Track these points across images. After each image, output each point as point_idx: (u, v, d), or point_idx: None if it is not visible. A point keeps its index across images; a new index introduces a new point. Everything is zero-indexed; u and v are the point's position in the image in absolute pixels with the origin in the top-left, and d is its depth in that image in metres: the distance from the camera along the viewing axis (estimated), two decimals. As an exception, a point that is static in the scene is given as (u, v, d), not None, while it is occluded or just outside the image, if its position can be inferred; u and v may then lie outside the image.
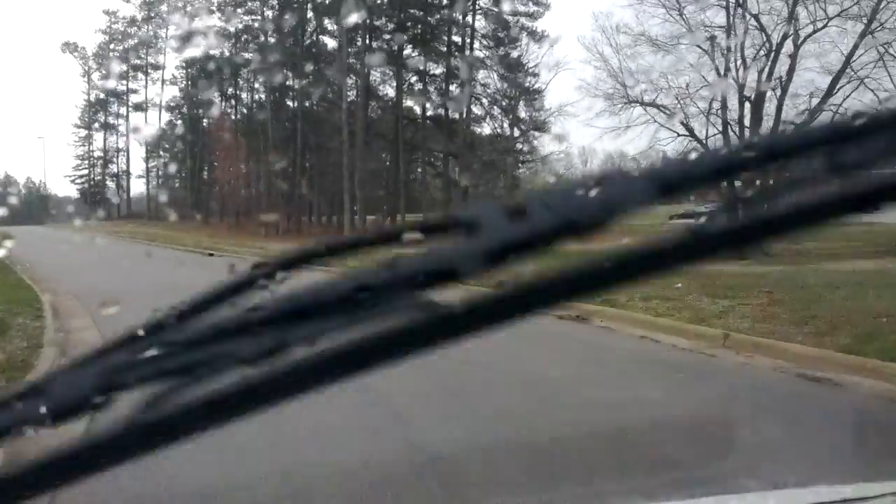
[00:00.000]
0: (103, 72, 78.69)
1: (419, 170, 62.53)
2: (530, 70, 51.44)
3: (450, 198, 57.34)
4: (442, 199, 59.62)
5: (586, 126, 43.71)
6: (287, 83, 64.68)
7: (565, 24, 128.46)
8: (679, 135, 31.47)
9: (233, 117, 69.01)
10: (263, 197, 61.19)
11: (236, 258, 25.69)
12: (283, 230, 59.89)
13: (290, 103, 66.58)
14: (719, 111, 31.03)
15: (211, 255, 27.46)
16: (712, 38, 31.36)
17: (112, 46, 76.82)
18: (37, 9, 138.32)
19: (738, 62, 30.74)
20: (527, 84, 51.58)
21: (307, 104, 64.36)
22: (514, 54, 53.51)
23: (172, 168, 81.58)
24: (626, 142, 64.61)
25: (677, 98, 31.20)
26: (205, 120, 75.06)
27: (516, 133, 50.56)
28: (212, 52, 70.39)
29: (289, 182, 62.71)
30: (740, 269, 15.17)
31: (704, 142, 31.12)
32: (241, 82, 70.57)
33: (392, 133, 61.38)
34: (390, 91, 61.01)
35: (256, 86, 70.51)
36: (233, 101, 71.15)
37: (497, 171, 54.70)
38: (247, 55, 67.41)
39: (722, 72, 30.89)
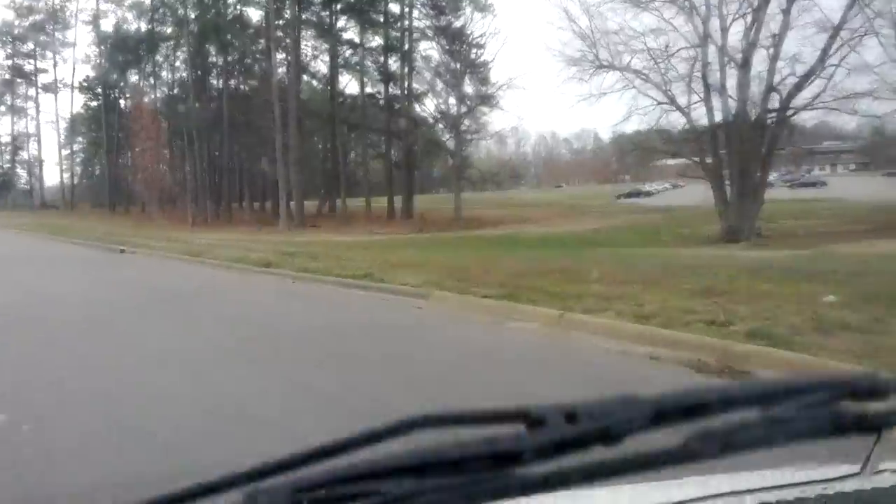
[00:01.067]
0: (8, 50, 72.08)
1: (358, 151, 58.14)
2: (474, 41, 47.64)
3: (391, 180, 53.28)
4: (384, 182, 55.56)
5: (557, 94, 40.19)
6: (210, 60, 59.64)
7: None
8: (659, 103, 28.01)
9: (152, 97, 63.53)
10: (189, 183, 56.16)
11: (152, 253, 21.39)
12: (211, 218, 55.10)
13: (214, 82, 61.51)
14: (701, 76, 27.56)
15: (122, 251, 22.99)
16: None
17: (17, 22, 70.31)
18: None
19: (724, 19, 27.30)
20: (472, 57, 47.77)
21: (233, 82, 59.43)
22: (457, 25, 49.65)
23: (89, 154, 75.49)
24: (602, 111, 60.39)
25: (655, 61, 27.68)
26: (122, 101, 69.45)
27: (462, 110, 46.62)
28: (127, 26, 64.78)
29: (216, 166, 57.87)
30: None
31: (687, 110, 27.76)
32: (160, 60, 65.11)
33: (327, 112, 56.98)
34: (323, 67, 56.52)
35: (177, 63, 65.17)
36: (152, 80, 65.70)
37: (442, 151, 50.79)
38: (166, 29, 62.01)
39: (703, 31, 27.52)
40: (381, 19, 51.53)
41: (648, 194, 70.93)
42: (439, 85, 50.78)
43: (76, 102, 75.51)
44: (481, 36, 47.36)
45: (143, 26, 63.85)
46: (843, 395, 1.09)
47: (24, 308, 10.62)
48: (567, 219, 47.38)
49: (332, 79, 55.53)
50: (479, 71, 48.08)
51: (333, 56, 54.97)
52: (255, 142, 56.29)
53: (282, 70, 58.70)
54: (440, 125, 50.32)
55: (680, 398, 1.21)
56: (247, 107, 57.39)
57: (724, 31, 27.48)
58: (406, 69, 51.06)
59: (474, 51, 48.31)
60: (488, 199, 64.54)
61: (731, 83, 27.30)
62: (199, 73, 58.36)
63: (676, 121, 29.11)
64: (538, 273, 11.18)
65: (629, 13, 28.49)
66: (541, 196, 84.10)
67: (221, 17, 55.68)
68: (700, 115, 28.09)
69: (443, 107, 50.49)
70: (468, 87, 47.98)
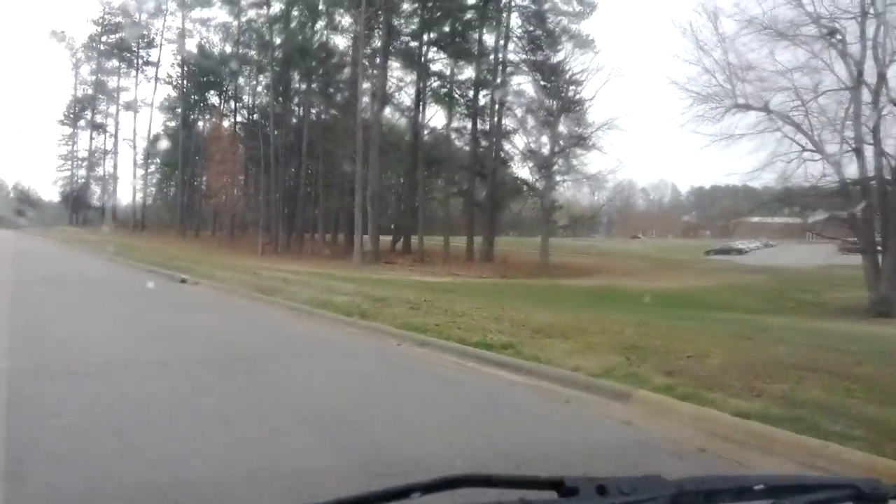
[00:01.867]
0: (93, 66, 71.32)
1: (438, 187, 54.92)
2: (573, 77, 44.22)
3: (473, 219, 49.85)
4: (464, 221, 52.18)
5: (682, 131, 36.45)
6: (292, 86, 57.45)
7: (619, 27, 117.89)
8: (805, 149, 24.00)
9: (232, 120, 61.66)
10: (262, 209, 53.66)
11: (218, 286, 18.18)
12: (282, 247, 52.38)
13: (295, 108, 59.29)
14: (851, 121, 23.57)
15: (184, 281, 19.91)
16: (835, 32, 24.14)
17: (104, 38, 69.46)
18: None
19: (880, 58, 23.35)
20: (569, 94, 44.32)
21: (314, 110, 57.00)
22: (555, 60, 46.34)
23: (164, 174, 74.01)
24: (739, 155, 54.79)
25: (801, 101, 23.77)
26: (201, 123, 67.82)
27: (556, 149, 43.16)
28: (211, 48, 63.18)
29: (291, 194, 55.31)
30: None
31: (837, 160, 23.73)
32: (241, 83, 63.29)
33: (408, 145, 54.07)
34: (406, 99, 53.60)
35: (259, 88, 63.26)
36: (232, 104, 63.88)
37: (529, 191, 47.22)
38: (250, 53, 60.11)
39: (855, 71, 23.59)
40: (474, 51, 48.36)
41: (741, 252, 66.10)
42: (530, 122, 47.57)
43: (155, 122, 74.38)
44: (581, 72, 43.88)
45: (227, 48, 62.26)
46: (848, 498, 1.39)
47: (18, 378, 7.14)
48: (664, 273, 43.26)
49: (416, 111, 52.64)
50: (575, 109, 44.57)
51: (420, 88, 52.15)
52: (332, 172, 53.66)
53: (364, 100, 56.44)
54: (529, 164, 46.85)
55: (700, 483, 1.48)
56: (326, 136, 54.91)
57: (882, 74, 23.55)
58: (496, 104, 47.81)
59: (571, 88, 44.88)
60: (566, 246, 60.64)
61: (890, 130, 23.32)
62: (281, 99, 56.15)
63: (800, 172, 24.81)
64: (778, 365, 7.46)
65: (767, 47, 24.56)
66: (619, 246, 79.85)
67: (307, 42, 53.42)
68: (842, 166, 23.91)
69: (533, 145, 47.19)
70: (562, 126, 44.54)
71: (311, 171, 53.23)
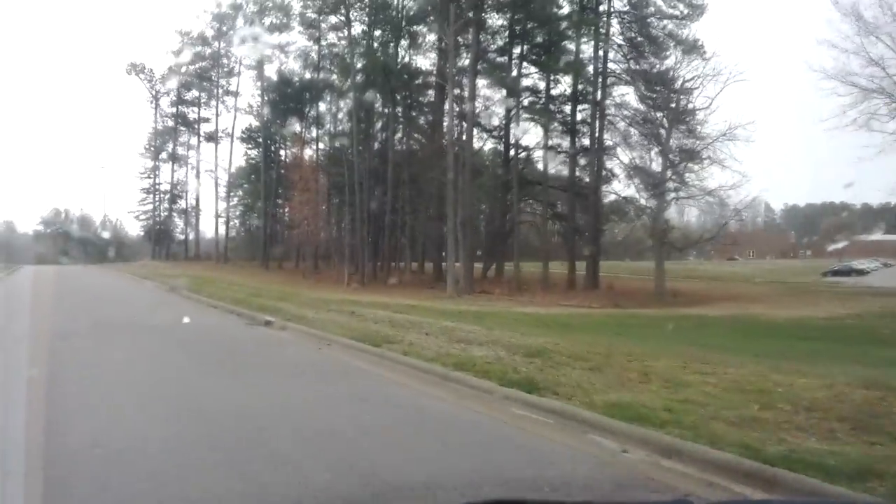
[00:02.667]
0: (172, 97, 69.82)
1: (532, 209, 50.85)
2: (685, 85, 39.68)
3: (573, 245, 45.59)
4: (562, 247, 47.99)
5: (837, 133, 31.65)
6: (375, 109, 54.35)
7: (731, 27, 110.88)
8: None
9: (314, 148, 58.93)
10: (347, 239, 50.48)
11: (309, 331, 14.44)
12: (368, 278, 49.00)
13: (378, 133, 56.20)
14: None
15: (268, 323, 16.31)
16: None
17: (183, 70, 67.90)
18: (102, 26, 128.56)
19: None
20: (682, 104, 39.85)
21: (399, 134, 53.74)
22: (662, 67, 42.02)
23: (246, 205, 71.80)
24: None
25: None
26: (283, 152, 65.40)
27: (667, 164, 38.69)
28: (291, 74, 60.69)
29: (375, 222, 51.99)
30: None
31: None
32: (323, 109, 60.64)
33: (500, 165, 50.31)
34: (494, 118, 49.76)
35: (340, 114, 60.46)
36: (314, 131, 61.17)
37: (634, 212, 42.74)
38: (332, 77, 57.41)
39: None
40: (570, 62, 44.33)
41: (861, 272, 59.98)
42: (634, 136, 43.18)
43: (236, 153, 72.47)
44: (692, 79, 39.35)
45: (307, 74, 59.73)
46: None
47: None
48: (794, 300, 38.17)
49: (506, 129, 48.83)
50: (686, 120, 40.04)
51: (510, 104, 48.36)
52: (419, 197, 50.22)
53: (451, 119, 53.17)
54: (634, 182, 42.38)
55: None
56: (411, 159, 51.59)
57: None
58: (597, 118, 43.61)
59: (682, 97, 40.39)
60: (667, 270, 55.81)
61: None
62: (363, 125, 53.05)
63: None
64: None
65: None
66: (720, 269, 74.31)
67: (390, 61, 50.31)
68: None
69: (638, 161, 42.75)
70: (673, 139, 40.03)
71: (397, 197, 49.84)
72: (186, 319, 17.72)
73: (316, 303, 22.18)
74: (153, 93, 69.48)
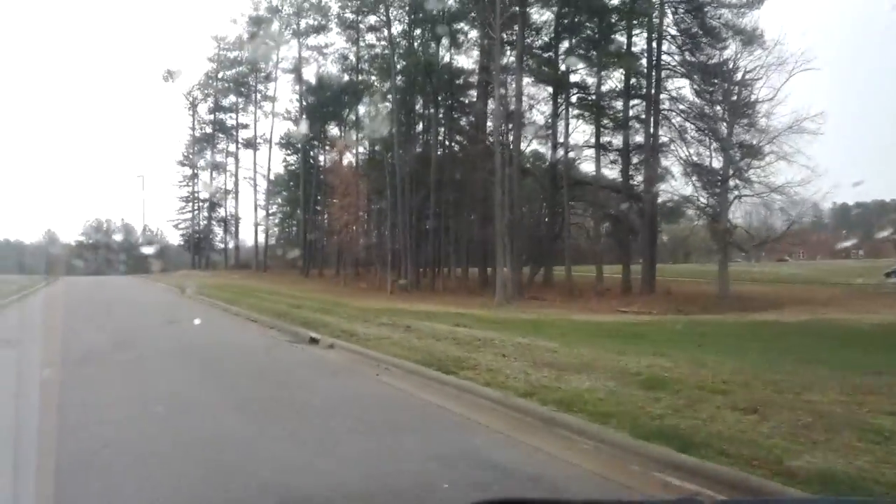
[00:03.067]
0: (210, 104, 68.56)
1: (580, 211, 48.51)
2: (747, 76, 37.05)
3: (627, 249, 43.15)
4: (611, 250, 45.58)
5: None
6: (415, 110, 52.45)
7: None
8: None
9: (353, 152, 57.11)
10: (389, 244, 48.57)
11: (362, 351, 12.42)
12: (412, 285, 46.99)
13: (419, 136, 54.27)
14: None
15: (313, 340, 14.35)
16: None
17: (220, 75, 66.63)
18: (138, 34, 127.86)
19: None
20: (742, 95, 37.24)
21: (440, 136, 51.68)
22: (719, 58, 39.40)
23: (285, 212, 70.35)
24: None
25: None
26: (322, 157, 63.77)
27: (730, 161, 36.12)
28: (329, 79, 58.96)
29: (419, 227, 50.00)
30: None
31: None
32: (362, 112, 58.84)
33: (548, 166, 48.08)
34: (539, 116, 47.42)
35: (379, 118, 58.54)
36: (354, 134, 59.31)
37: (700, 212, 40.09)
38: (371, 79, 55.59)
39: None
40: (621, 54, 41.91)
41: (920, 273, 56.30)
42: (691, 132, 40.67)
43: (275, 159, 71.02)
44: (755, 69, 36.74)
45: (346, 77, 57.97)
46: None
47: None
48: (869, 303, 35.29)
49: (553, 129, 46.52)
50: (747, 113, 37.45)
51: (555, 102, 46.15)
52: (461, 201, 48.11)
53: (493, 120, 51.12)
54: (692, 180, 39.81)
55: None
56: (454, 163, 49.58)
57: None
58: (651, 114, 41.15)
59: (742, 89, 37.80)
60: (714, 273, 52.93)
61: None
62: (404, 127, 51.14)
63: None
64: None
65: None
66: (775, 270, 71.00)
67: (432, 59, 48.36)
68: None
69: (695, 158, 40.22)
70: (735, 134, 37.46)
71: (439, 200, 47.75)
72: (222, 338, 15.85)
73: (363, 314, 20.18)
74: (190, 99, 68.45)
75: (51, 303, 27.79)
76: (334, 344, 13.62)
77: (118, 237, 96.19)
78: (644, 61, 41.87)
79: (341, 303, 29.68)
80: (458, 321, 20.30)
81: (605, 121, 44.23)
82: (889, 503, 3.93)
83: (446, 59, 51.01)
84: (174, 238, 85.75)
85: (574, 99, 46.21)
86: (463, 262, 52.15)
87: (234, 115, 68.10)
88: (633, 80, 42.61)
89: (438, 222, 47.60)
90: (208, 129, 69.11)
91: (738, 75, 37.73)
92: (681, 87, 41.84)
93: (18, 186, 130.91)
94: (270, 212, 69.06)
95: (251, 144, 67.30)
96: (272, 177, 66.03)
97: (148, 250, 77.16)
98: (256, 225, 66.37)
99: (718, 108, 38.82)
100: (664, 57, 41.53)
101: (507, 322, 24.91)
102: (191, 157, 70.13)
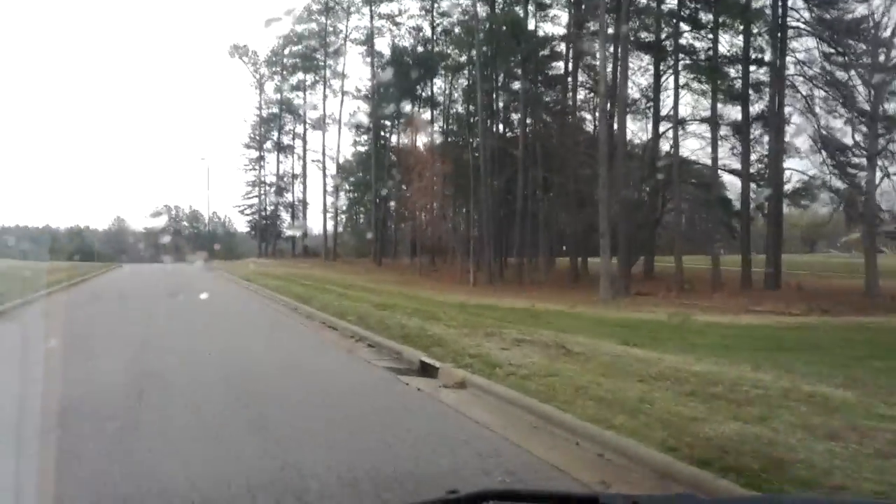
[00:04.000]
0: (277, 82, 64.36)
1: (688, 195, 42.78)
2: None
3: (747, 238, 37.39)
4: (726, 235, 39.90)
5: None
6: (497, 84, 47.31)
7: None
8: None
9: (428, 131, 52.25)
10: (470, 231, 43.68)
11: (514, 404, 7.56)
12: (494, 276, 42.07)
13: (502, 112, 49.19)
14: None
15: (427, 369, 9.55)
16: None
17: (287, 51, 62.29)
18: (203, 8, 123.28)
19: None
20: (886, 58, 31.31)
21: (532, 113, 46.39)
22: (855, 14, 33.40)
23: (356, 197, 65.96)
24: None
25: None
26: (394, 137, 59.16)
27: (876, 133, 30.29)
28: (403, 51, 54.19)
29: (503, 212, 45.02)
30: None
31: None
32: (438, 88, 54.02)
33: (649, 144, 42.56)
34: (633, 89, 41.80)
35: (456, 94, 53.65)
36: (429, 112, 54.50)
37: (839, 193, 34.08)
38: (449, 50, 50.68)
39: None
40: (739, 11, 35.96)
41: None
42: (820, 101, 34.76)
43: (344, 141, 66.65)
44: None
45: (420, 48, 53.12)
46: None
47: None
48: None
49: (655, 101, 40.97)
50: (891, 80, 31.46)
51: (657, 71, 40.61)
52: (551, 183, 42.85)
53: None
54: (824, 158, 33.94)
55: (733, 503, 2.51)
56: (544, 141, 44.37)
57: None
58: (775, 82, 35.26)
59: (886, 51, 31.81)
60: (802, 263, 46.81)
61: None
62: (486, 102, 46.05)
63: None
64: None
65: None
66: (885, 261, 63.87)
67: (519, 22, 43.16)
68: None
69: (823, 132, 34.33)
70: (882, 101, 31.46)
71: (527, 182, 42.60)
72: (292, 360, 11.14)
73: (475, 320, 15.35)
74: (257, 77, 64.27)
75: (83, 298, 23.53)
76: (466, 381, 8.73)
77: (185, 224, 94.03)
78: (766, 20, 35.92)
79: (435, 301, 25.12)
80: (604, 331, 15.39)
81: (721, 91, 38.38)
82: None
83: (530, 25, 45.77)
84: (241, 224, 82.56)
85: (681, 66, 40.42)
86: (548, 251, 46.92)
87: (301, 94, 63.73)
88: (755, 43, 36.74)
89: (525, 206, 42.41)
90: (275, 110, 64.89)
91: (886, 32, 31.78)
92: (810, 48, 35.91)
93: (90, 174, 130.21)
94: (340, 196, 64.66)
95: (319, 125, 63.01)
96: (341, 160, 61.63)
97: (214, 237, 73.83)
98: (325, 210, 62.08)
99: (854, 72, 32.92)
100: (790, 15, 35.63)
101: (625, 323, 19.91)
102: (257, 138, 65.94)
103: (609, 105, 35.82)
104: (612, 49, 37.94)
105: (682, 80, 39.10)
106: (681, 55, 39.17)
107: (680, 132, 39.43)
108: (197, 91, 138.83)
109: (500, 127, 48.62)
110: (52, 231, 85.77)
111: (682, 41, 39.68)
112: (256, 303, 23.43)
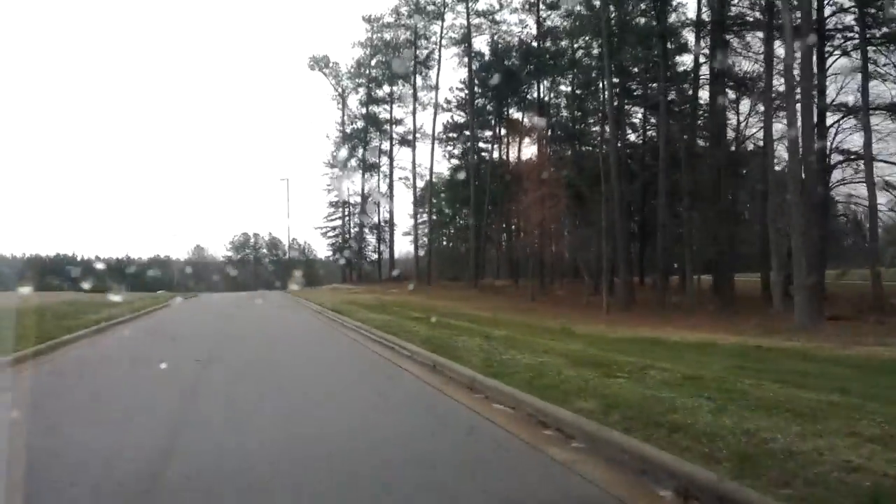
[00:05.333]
0: (361, 96, 58.12)
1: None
2: None
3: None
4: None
5: None
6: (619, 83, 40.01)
7: None
8: None
9: (544, 135, 45.20)
10: (600, 249, 36.31)
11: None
12: (624, 300, 34.60)
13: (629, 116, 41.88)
14: None
15: None
16: None
17: (373, 62, 56.13)
18: (280, 18, 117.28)
19: None
20: None
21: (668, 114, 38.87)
22: None
23: (447, 216, 59.24)
24: None
25: None
26: (496, 149, 52.36)
27: None
28: (504, 49, 47.46)
29: (638, 226, 37.68)
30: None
31: None
32: (547, 94, 47.07)
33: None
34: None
35: (560, 99, 46.63)
36: (534, 122, 47.47)
37: None
38: (562, 44, 43.73)
39: None
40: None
41: None
42: None
43: (433, 157, 59.85)
44: None
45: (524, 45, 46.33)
46: None
47: None
48: None
49: (821, 85, 33.09)
50: None
51: (821, 49, 32.89)
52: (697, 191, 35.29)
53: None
54: None
55: None
56: (688, 142, 36.91)
57: None
58: None
59: None
60: None
61: None
62: (615, 103, 38.83)
63: None
64: None
65: None
66: None
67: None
68: None
69: None
70: None
71: (672, 192, 35.11)
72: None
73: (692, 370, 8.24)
74: (339, 90, 58.24)
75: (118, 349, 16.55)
76: None
77: (265, 251, 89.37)
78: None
79: (581, 333, 18.35)
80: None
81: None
82: None
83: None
84: (321, 249, 76.78)
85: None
86: (690, 269, 39.11)
87: (388, 108, 57.38)
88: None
89: (665, 218, 34.84)
90: (359, 124, 58.59)
91: None
92: None
93: (169, 205, 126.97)
94: (426, 218, 57.69)
95: (406, 141, 56.62)
96: (434, 179, 54.84)
97: (294, 263, 68.09)
98: (416, 228, 55.31)
99: None
100: None
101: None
102: (340, 156, 59.67)
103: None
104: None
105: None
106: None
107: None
108: (275, 109, 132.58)
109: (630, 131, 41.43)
110: (131, 261, 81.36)
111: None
112: (363, 352, 15.16)
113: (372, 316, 22.30)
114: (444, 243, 66.37)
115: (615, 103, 40.07)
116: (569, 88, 46.52)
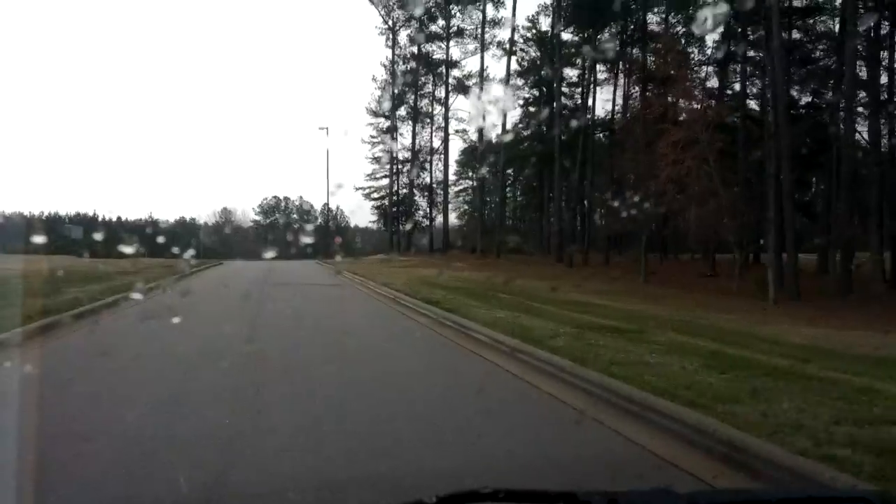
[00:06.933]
0: (411, 31, 47.72)
1: None
2: None
3: None
4: None
5: None
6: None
7: None
8: None
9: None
10: (766, 214, 26.39)
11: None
12: (788, 280, 24.85)
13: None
14: None
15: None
16: None
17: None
18: None
19: None
20: None
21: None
22: None
23: (518, 179, 49.50)
24: None
25: None
26: (573, 96, 42.57)
27: None
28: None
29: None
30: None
31: None
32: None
33: None
34: None
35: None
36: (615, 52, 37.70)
37: None
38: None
39: None
40: None
41: None
42: None
43: (498, 105, 49.69)
44: None
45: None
46: None
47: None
48: None
49: None
50: None
51: None
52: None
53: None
54: None
55: (711, 496, 1.30)
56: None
57: None
58: None
59: None
60: None
61: None
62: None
63: None
64: None
65: None
66: None
67: None
68: None
69: None
70: None
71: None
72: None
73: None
74: (389, 22, 47.87)
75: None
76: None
77: (296, 216, 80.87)
78: None
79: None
80: None
81: None
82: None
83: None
84: (357, 217, 67.65)
85: None
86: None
87: (443, 45, 47.21)
88: None
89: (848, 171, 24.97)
90: (411, 65, 48.37)
91: None
92: None
93: (196, 164, 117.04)
94: (498, 176, 47.56)
95: (464, 87, 46.78)
96: (500, 130, 44.92)
97: (327, 230, 58.83)
98: (482, 191, 45.50)
99: None
100: None
101: None
102: (387, 103, 49.19)
103: None
104: None
105: None
106: None
107: None
108: (309, 54, 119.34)
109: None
110: (154, 223, 72.35)
111: None
112: (520, 391, 6.47)
113: (499, 315, 12.74)
114: (512, 209, 57.27)
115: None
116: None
